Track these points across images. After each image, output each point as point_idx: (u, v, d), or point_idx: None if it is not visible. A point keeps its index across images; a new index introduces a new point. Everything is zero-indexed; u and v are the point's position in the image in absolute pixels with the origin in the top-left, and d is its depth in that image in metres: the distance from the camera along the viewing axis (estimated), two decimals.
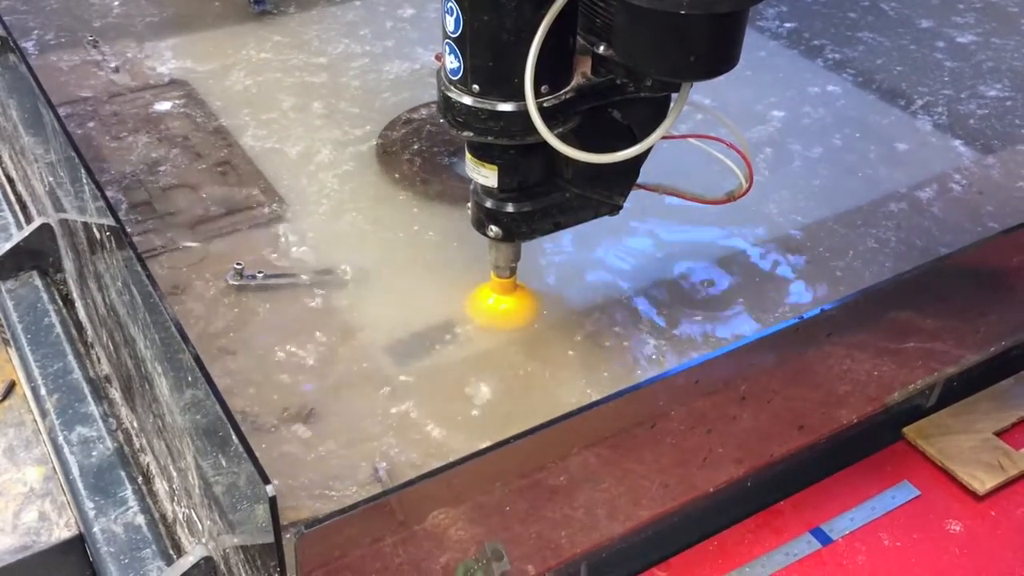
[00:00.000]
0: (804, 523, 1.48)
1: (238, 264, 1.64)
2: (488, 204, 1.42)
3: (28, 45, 2.30)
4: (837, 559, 1.43)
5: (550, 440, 1.16)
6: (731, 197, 1.50)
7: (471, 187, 1.44)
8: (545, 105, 1.26)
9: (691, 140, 1.53)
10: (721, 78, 1.23)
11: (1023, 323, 1.66)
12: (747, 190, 1.48)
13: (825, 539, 1.46)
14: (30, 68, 1.67)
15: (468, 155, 1.39)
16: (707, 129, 1.54)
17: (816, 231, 1.78)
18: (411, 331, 1.54)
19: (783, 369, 1.37)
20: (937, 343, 1.54)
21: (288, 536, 1.00)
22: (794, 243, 1.75)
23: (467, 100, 1.28)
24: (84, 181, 1.42)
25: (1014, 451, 1.57)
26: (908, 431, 1.61)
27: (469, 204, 1.47)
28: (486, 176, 1.38)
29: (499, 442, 1.13)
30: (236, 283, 1.62)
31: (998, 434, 1.60)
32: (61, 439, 1.48)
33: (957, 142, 2.04)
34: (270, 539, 0.99)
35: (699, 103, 1.45)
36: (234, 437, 1.02)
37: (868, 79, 2.25)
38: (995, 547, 1.46)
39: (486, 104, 1.28)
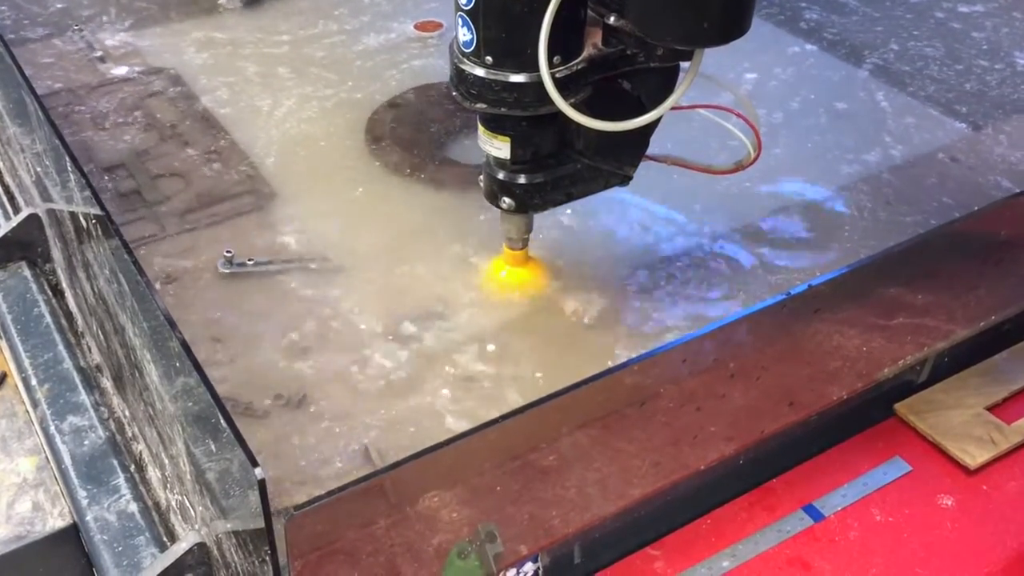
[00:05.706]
0: (796, 500, 1.48)
1: (228, 251, 1.63)
2: (501, 176, 1.42)
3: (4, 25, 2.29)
4: (830, 535, 1.44)
5: (539, 419, 1.16)
6: (739, 166, 1.49)
7: (484, 160, 1.45)
8: (557, 76, 1.27)
9: (699, 110, 1.52)
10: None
11: (1013, 297, 1.66)
12: (755, 159, 1.47)
13: (817, 515, 1.46)
14: (13, 57, 1.66)
15: (481, 128, 1.40)
16: (711, 99, 1.52)
17: (809, 205, 1.77)
18: (404, 314, 1.54)
19: (771, 346, 1.37)
20: (927, 318, 1.54)
21: (278, 519, 1.00)
22: (790, 215, 1.74)
23: (480, 72, 1.29)
24: (70, 170, 1.41)
25: (1005, 425, 1.57)
26: (900, 407, 1.61)
27: (481, 177, 1.47)
28: (499, 148, 1.38)
29: (488, 421, 1.13)
30: (227, 270, 1.61)
31: (989, 409, 1.61)
32: (53, 429, 1.47)
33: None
34: (261, 524, 0.99)
35: (707, 73, 1.43)
36: (224, 423, 1.02)
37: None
38: (987, 521, 1.46)
39: (499, 75, 1.28)
